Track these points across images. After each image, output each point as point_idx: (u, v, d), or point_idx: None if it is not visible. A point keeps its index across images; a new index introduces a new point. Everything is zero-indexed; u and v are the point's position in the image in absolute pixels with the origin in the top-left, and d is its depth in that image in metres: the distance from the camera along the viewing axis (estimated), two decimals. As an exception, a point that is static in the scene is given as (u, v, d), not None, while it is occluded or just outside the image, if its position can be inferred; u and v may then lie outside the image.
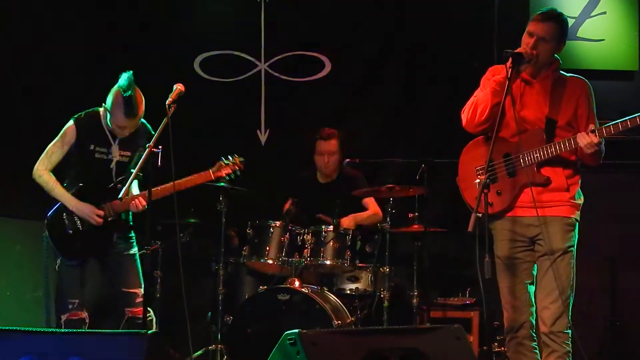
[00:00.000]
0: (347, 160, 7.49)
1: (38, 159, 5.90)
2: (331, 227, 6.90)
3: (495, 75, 5.17)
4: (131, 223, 5.88)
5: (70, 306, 5.70)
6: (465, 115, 5.24)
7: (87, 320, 5.77)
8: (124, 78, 5.71)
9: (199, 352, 7.03)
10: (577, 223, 5.13)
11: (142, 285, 5.85)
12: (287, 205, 7.35)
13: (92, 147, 5.75)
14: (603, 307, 7.21)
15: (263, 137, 8.35)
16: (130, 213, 5.86)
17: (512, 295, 5.12)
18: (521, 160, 5.06)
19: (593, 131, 4.87)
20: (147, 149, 5.39)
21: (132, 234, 5.94)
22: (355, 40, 8.31)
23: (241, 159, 6.14)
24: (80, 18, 8.08)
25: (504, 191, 5.12)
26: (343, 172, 7.60)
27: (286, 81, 8.40)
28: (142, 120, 5.90)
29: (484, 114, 5.11)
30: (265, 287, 6.83)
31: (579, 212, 5.13)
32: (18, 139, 7.75)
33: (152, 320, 5.87)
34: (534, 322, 5.13)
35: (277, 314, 6.52)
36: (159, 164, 5.57)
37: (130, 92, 5.63)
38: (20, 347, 4.20)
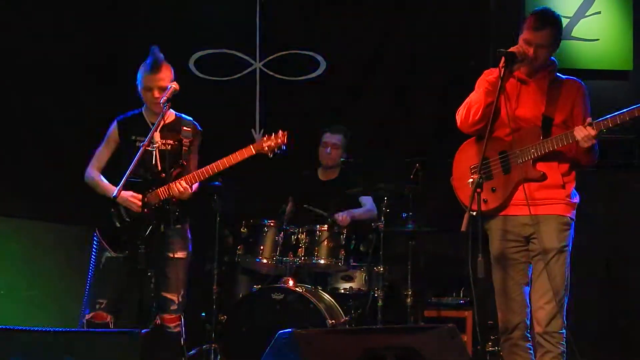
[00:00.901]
0: (343, 158, 7.50)
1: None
2: (326, 227, 6.91)
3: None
4: (177, 213, 5.69)
5: (97, 306, 5.60)
6: (459, 115, 5.25)
7: (111, 326, 5.62)
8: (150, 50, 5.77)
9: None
10: (573, 222, 5.13)
11: (181, 293, 5.73)
12: (288, 208, 7.38)
13: (133, 137, 5.71)
14: (599, 307, 7.22)
15: (258, 136, 8.35)
16: (178, 204, 5.73)
17: (506, 296, 5.11)
18: (517, 157, 5.06)
19: (590, 124, 4.88)
20: (141, 147, 5.37)
21: (189, 234, 5.85)
22: (351, 39, 8.31)
23: (284, 132, 5.96)
24: (74, 17, 8.07)
25: (498, 188, 5.12)
26: (344, 172, 7.61)
27: (281, 80, 8.40)
28: (181, 115, 5.90)
29: (478, 114, 5.12)
30: (260, 286, 6.83)
31: (574, 212, 5.13)
32: (15, 138, 7.74)
33: (180, 332, 5.76)
34: (528, 323, 5.13)
35: (272, 313, 6.53)
36: (153, 162, 5.57)
37: (150, 54, 5.69)
38: (13, 346, 4.20)
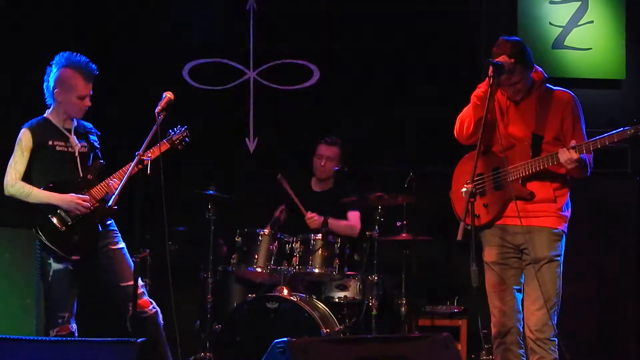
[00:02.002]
0: (336, 168, 7.50)
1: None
2: (320, 236, 6.91)
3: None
4: (115, 207, 5.66)
5: (59, 320, 5.63)
6: (455, 129, 5.35)
7: (76, 333, 5.69)
8: (59, 56, 5.78)
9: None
10: (565, 235, 5.17)
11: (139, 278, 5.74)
12: (277, 213, 7.38)
13: (50, 142, 5.70)
14: (592, 315, 7.23)
15: (252, 145, 8.36)
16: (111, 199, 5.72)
17: (500, 300, 5.16)
18: (507, 175, 5.11)
19: (574, 147, 4.93)
20: (136, 157, 5.37)
21: (115, 228, 5.86)
22: (344, 48, 8.32)
23: (185, 126, 6.06)
24: (67, 26, 8.05)
25: (490, 204, 5.20)
26: (338, 183, 7.61)
27: (275, 89, 8.41)
28: (83, 121, 5.93)
29: (470, 128, 5.20)
30: (254, 295, 6.83)
31: (566, 225, 5.18)
32: (7, 147, 7.72)
33: (156, 312, 5.78)
34: (521, 329, 5.16)
35: (266, 322, 6.52)
36: (148, 172, 5.57)
37: (80, 61, 5.73)
38: (8, 356, 4.20)
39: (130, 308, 5.56)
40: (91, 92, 5.76)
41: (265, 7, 8.43)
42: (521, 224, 5.02)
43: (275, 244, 6.91)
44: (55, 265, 5.68)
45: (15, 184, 5.72)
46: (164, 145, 5.84)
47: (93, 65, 5.78)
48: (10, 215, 7.38)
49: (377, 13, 8.35)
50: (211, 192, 6.88)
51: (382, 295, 7.16)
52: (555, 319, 5.06)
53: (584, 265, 7.11)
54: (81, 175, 5.75)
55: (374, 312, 6.91)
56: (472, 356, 7.17)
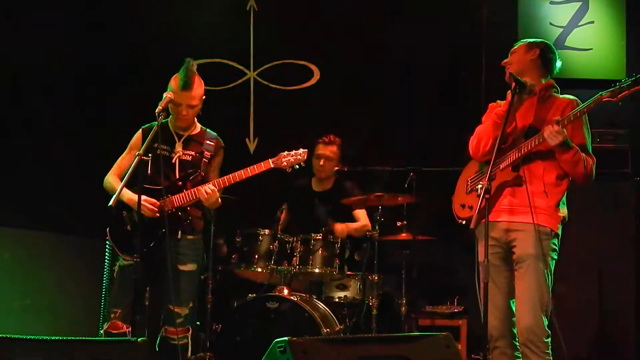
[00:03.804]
0: (336, 168, 7.50)
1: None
2: (320, 236, 6.91)
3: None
4: (189, 222, 5.71)
5: (112, 315, 5.61)
6: (471, 146, 5.35)
7: (129, 335, 5.55)
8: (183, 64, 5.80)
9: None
10: (557, 236, 5.14)
11: (189, 305, 5.73)
12: (282, 214, 7.39)
13: (155, 145, 5.67)
14: (589, 315, 7.23)
15: (252, 146, 8.37)
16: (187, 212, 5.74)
17: (492, 303, 5.10)
18: (499, 163, 5.10)
19: (557, 121, 4.93)
20: (137, 157, 5.37)
21: (197, 246, 5.82)
22: (344, 48, 8.32)
23: (305, 150, 5.98)
24: (71, 27, 8.06)
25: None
26: (338, 183, 7.61)
27: (275, 89, 8.42)
28: (207, 129, 5.95)
29: (487, 146, 5.22)
30: (254, 295, 6.83)
31: (559, 226, 5.15)
32: (11, 147, 7.74)
33: (186, 345, 5.75)
34: (515, 332, 5.14)
35: (266, 322, 6.53)
36: (149, 172, 5.57)
37: (184, 68, 5.73)
38: (11, 355, 4.20)
39: (164, 329, 5.65)
40: (193, 103, 5.74)
41: (266, 8, 8.43)
42: (509, 219, 4.97)
43: (276, 243, 6.91)
44: (122, 261, 5.68)
45: (108, 177, 5.83)
46: (266, 164, 5.87)
47: (192, 71, 5.79)
48: (10, 216, 7.45)
49: (377, 13, 8.35)
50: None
51: (383, 295, 7.16)
52: (546, 320, 5.03)
53: (583, 264, 7.12)
54: (174, 180, 5.73)
55: (374, 311, 6.92)
56: (473, 356, 7.17)
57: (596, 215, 7.19)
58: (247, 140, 8.36)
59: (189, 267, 5.73)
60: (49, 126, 7.92)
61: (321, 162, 7.51)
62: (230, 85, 8.43)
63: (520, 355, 5.12)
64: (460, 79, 8.11)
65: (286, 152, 5.92)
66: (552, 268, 5.09)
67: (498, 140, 4.95)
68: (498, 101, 5.35)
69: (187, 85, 5.69)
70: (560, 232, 5.15)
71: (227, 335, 6.65)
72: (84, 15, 8.17)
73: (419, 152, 8.13)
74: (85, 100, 8.07)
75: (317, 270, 6.88)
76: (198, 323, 7.20)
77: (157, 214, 5.59)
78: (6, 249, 7.43)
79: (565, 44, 7.90)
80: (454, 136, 7.80)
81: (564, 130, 4.91)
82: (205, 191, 5.63)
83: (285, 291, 6.72)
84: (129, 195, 5.59)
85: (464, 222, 5.30)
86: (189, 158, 5.80)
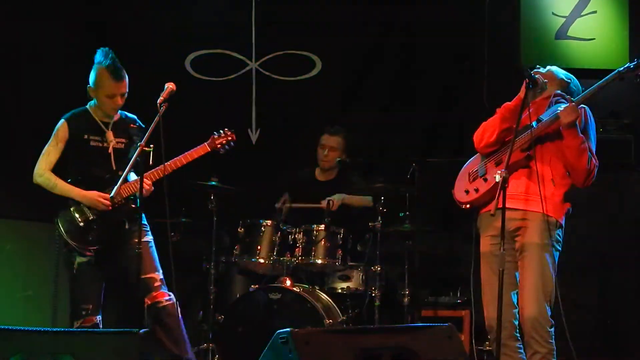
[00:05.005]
0: (338, 159, 7.49)
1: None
2: (323, 226, 6.90)
3: None
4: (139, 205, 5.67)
5: (84, 312, 5.63)
6: (475, 137, 5.35)
7: (100, 325, 5.69)
8: (99, 53, 5.77)
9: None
10: (562, 227, 5.13)
11: (160, 270, 5.76)
12: (280, 203, 7.38)
13: (85, 136, 5.72)
14: (595, 307, 7.23)
15: (254, 136, 8.35)
16: (138, 198, 5.68)
17: (492, 295, 5.07)
18: (508, 148, 5.07)
19: (573, 100, 5.00)
20: (138, 148, 5.38)
21: (145, 221, 5.83)
22: (346, 39, 8.30)
23: (232, 130, 6.11)
24: (70, 17, 8.05)
25: (490, 178, 5.18)
26: (341, 173, 7.60)
27: (277, 80, 8.40)
28: (127, 113, 5.93)
29: (492, 137, 5.22)
30: (257, 286, 6.83)
31: (563, 217, 5.14)
32: (8, 138, 7.73)
33: (174, 303, 5.73)
34: (516, 324, 5.13)
35: (269, 313, 6.53)
36: (151, 162, 5.56)
37: (109, 59, 5.69)
38: (12, 346, 4.20)
39: (147, 299, 5.63)
40: (125, 91, 5.74)
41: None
42: (503, 204, 4.95)
43: (278, 234, 6.91)
44: (79, 258, 5.69)
45: (43, 173, 5.78)
46: (203, 149, 5.92)
47: (116, 59, 5.75)
48: (11, 208, 7.44)
49: (379, 3, 8.33)
50: (213, 183, 6.87)
51: (385, 286, 7.15)
52: (550, 309, 5.02)
53: (587, 256, 7.11)
54: (113, 170, 5.74)
55: (377, 302, 6.91)
56: (476, 346, 7.16)
57: (599, 207, 7.18)
58: (249, 131, 8.34)
59: (146, 238, 5.76)
60: (49, 118, 7.90)
61: (325, 152, 7.50)
62: (232, 76, 8.41)
63: (521, 346, 5.12)
64: (464, 69, 8.09)
65: (216, 134, 6.04)
66: (556, 259, 5.08)
67: (515, 130, 4.95)
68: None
69: (119, 76, 5.70)
70: (564, 224, 5.14)
71: (230, 326, 6.65)
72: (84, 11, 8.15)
73: (422, 143, 8.12)
74: (85, 89, 8.04)
75: (319, 261, 6.87)
76: (200, 314, 7.21)
77: (110, 207, 5.63)
78: (8, 241, 7.44)
79: (568, 34, 7.88)
80: (456, 127, 7.80)
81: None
82: (146, 189, 5.61)
83: (288, 282, 6.72)
84: (78, 192, 5.66)
85: (468, 207, 5.29)
86: (122, 146, 5.81)
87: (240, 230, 6.99)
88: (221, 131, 6.09)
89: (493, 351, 5.21)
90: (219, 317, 6.78)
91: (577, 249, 6.75)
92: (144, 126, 5.86)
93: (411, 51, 8.31)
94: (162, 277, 5.75)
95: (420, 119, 8.22)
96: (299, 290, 6.60)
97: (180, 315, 5.76)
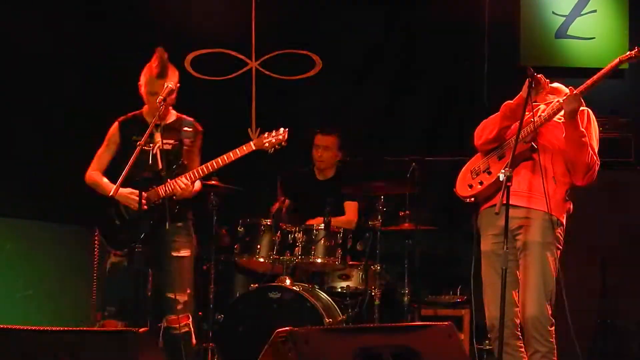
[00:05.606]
0: (338, 158, 7.49)
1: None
2: (322, 226, 6.90)
3: None
4: (177, 210, 5.69)
5: (106, 313, 5.62)
6: (476, 133, 5.34)
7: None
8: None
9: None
10: (562, 226, 5.13)
11: (187, 292, 5.73)
12: (275, 205, 7.38)
13: (134, 138, 5.69)
14: (594, 305, 7.22)
15: (254, 136, 8.35)
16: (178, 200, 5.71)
17: (493, 293, 5.08)
18: (511, 141, 5.07)
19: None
20: (138, 146, 5.37)
21: (186, 232, 5.83)
22: (346, 38, 8.31)
23: (285, 129, 6.02)
24: (69, 17, 8.04)
25: (494, 171, 5.17)
26: (340, 171, 7.60)
27: (277, 79, 8.41)
28: (182, 115, 5.95)
29: (492, 134, 5.21)
30: (257, 285, 6.83)
31: (564, 215, 5.15)
32: (10, 137, 7.73)
33: (189, 332, 5.75)
34: (517, 322, 5.13)
35: (268, 312, 6.52)
36: (150, 162, 5.56)
37: (157, 57, 5.76)
38: (11, 346, 4.20)
39: (165, 321, 5.65)
40: (162, 90, 5.64)
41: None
42: (505, 201, 4.95)
43: (278, 234, 6.90)
44: (113, 259, 5.69)
45: (90, 174, 5.84)
46: (248, 147, 5.85)
47: (165, 58, 5.80)
48: (12, 207, 7.45)
49: (380, 4, 8.34)
50: (213, 182, 6.87)
51: (385, 285, 7.15)
52: (550, 308, 5.02)
53: (586, 254, 7.10)
54: (156, 171, 5.70)
55: (377, 301, 6.92)
56: (476, 345, 7.16)
57: (599, 205, 7.18)
58: (249, 130, 8.34)
59: (182, 253, 5.74)
60: (50, 117, 7.91)
61: (319, 153, 7.49)
62: (232, 76, 8.42)
63: (521, 344, 5.12)
64: (463, 68, 8.10)
65: (267, 133, 5.95)
66: (557, 258, 5.08)
67: (519, 130, 4.93)
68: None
69: (162, 74, 5.69)
70: (564, 223, 5.14)
71: (229, 325, 6.65)
72: (83, 6, 8.15)
73: (422, 141, 8.12)
74: (90, 90, 8.05)
75: (319, 260, 6.87)
76: (200, 314, 7.21)
77: (145, 206, 5.54)
78: (8, 240, 7.43)
79: (568, 33, 7.89)
80: (456, 126, 7.80)
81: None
82: (179, 185, 5.63)
83: (288, 281, 6.72)
84: (114, 190, 5.58)
85: (472, 200, 5.28)
86: (170, 147, 5.79)
87: (240, 229, 6.99)
88: (273, 131, 6.00)
89: (493, 350, 5.21)
90: (219, 317, 6.78)
91: (576, 247, 6.75)
92: (201, 129, 5.91)
93: (411, 51, 8.32)
94: (187, 298, 5.71)
95: (420, 118, 8.23)
96: (298, 290, 6.60)
97: (194, 341, 5.79)
